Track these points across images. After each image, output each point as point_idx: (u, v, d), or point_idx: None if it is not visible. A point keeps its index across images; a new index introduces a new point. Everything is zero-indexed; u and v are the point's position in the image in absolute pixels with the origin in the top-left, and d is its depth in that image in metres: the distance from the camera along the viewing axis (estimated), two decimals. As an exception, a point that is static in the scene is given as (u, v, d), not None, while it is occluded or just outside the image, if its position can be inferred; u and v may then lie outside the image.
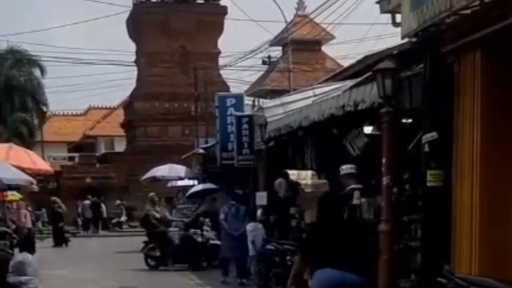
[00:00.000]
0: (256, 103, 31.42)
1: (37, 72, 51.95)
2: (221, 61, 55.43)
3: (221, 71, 54.62)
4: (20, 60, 51.56)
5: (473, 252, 8.63)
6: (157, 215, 22.98)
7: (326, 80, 20.67)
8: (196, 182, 28.06)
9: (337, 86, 15.96)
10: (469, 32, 8.59)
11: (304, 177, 12.79)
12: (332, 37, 53.65)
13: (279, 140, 16.74)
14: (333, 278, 7.25)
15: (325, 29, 49.68)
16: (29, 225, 27.36)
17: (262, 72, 55.26)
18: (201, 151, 27.46)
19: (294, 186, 12.82)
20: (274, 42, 48.98)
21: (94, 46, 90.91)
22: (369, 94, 10.88)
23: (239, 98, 23.13)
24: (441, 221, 9.35)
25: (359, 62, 17.22)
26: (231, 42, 67.19)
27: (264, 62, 53.37)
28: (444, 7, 8.51)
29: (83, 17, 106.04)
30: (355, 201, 11.24)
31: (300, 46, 50.21)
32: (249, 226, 16.99)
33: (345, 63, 31.49)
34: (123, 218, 48.05)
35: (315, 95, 16.36)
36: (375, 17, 16.75)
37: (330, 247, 7.36)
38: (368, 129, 12.30)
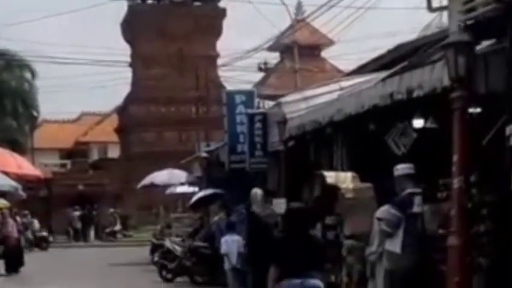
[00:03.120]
0: (261, 104, 29.57)
1: (28, 75, 50.14)
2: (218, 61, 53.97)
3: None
4: (10, 63, 49.67)
5: None
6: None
7: (350, 74, 18.67)
8: (196, 188, 26.05)
9: (366, 78, 14.03)
10: None
11: (343, 180, 10.73)
12: (332, 42, 52.46)
13: (301, 139, 14.74)
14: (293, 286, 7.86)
15: (325, 34, 48.39)
16: (15, 235, 25.21)
17: (258, 75, 53.72)
18: (205, 155, 25.42)
19: (332, 190, 10.82)
20: (271, 48, 47.54)
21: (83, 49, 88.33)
22: (430, 78, 8.94)
23: (249, 94, 20.79)
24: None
25: (390, 51, 15.33)
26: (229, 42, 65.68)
27: (260, 69, 51.79)
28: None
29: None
30: (415, 209, 9.17)
31: (300, 51, 48.58)
32: (223, 238, 15.71)
33: (347, 67, 29.68)
34: (117, 227, 46.13)
35: (341, 88, 14.41)
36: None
37: (292, 257, 7.94)
38: (418, 123, 10.37)
